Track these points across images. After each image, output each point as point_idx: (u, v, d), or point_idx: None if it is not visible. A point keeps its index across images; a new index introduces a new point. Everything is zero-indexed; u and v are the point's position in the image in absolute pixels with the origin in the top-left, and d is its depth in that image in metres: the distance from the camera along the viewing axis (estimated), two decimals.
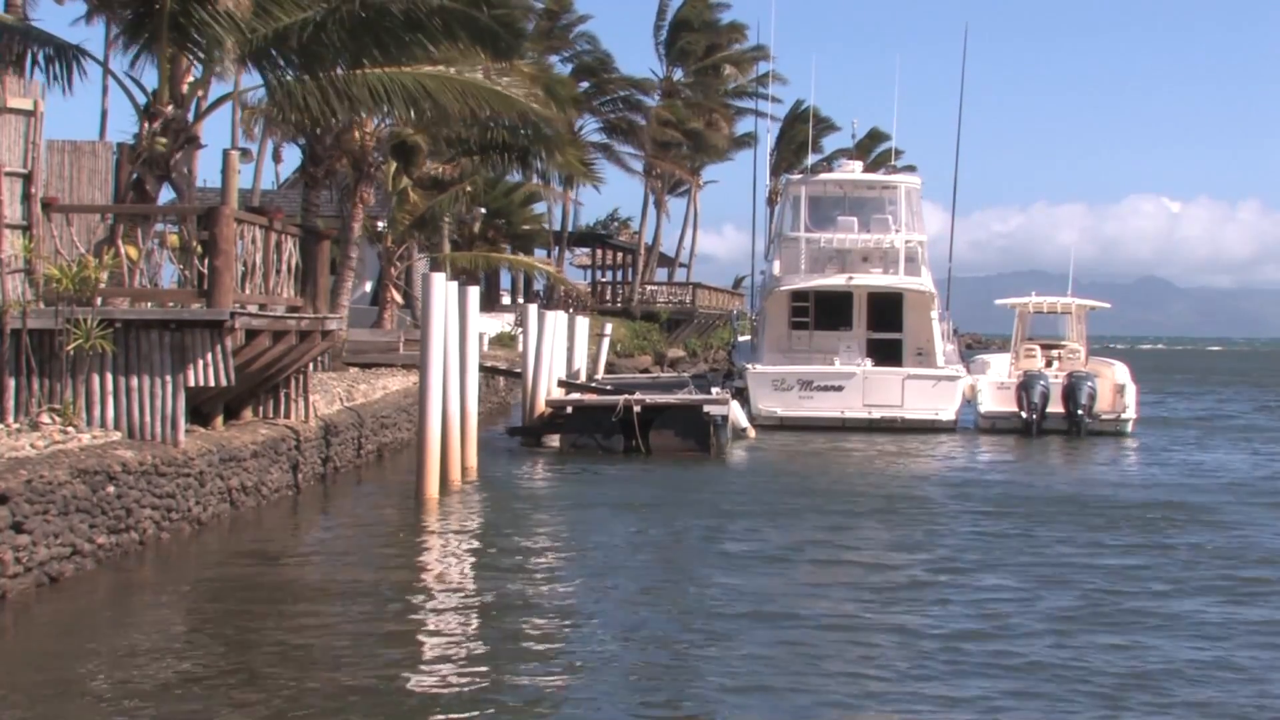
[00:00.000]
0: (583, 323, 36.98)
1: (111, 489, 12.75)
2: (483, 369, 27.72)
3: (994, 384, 32.18)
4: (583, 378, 33.17)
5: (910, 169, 53.56)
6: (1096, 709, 9.17)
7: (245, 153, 31.82)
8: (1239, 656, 10.55)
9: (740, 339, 43.79)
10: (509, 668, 9.96)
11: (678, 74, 66.47)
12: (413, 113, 18.31)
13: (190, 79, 17.06)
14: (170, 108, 16.61)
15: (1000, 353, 36.55)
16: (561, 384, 28.32)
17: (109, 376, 14.43)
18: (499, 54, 18.38)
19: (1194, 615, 11.94)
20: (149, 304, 15.55)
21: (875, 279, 34.32)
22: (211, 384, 14.78)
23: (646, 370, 51.24)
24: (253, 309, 16.33)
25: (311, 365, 19.65)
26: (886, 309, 34.24)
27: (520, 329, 29.53)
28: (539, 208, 54.45)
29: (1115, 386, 31.82)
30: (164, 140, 16.52)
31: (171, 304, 15.32)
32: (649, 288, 66.26)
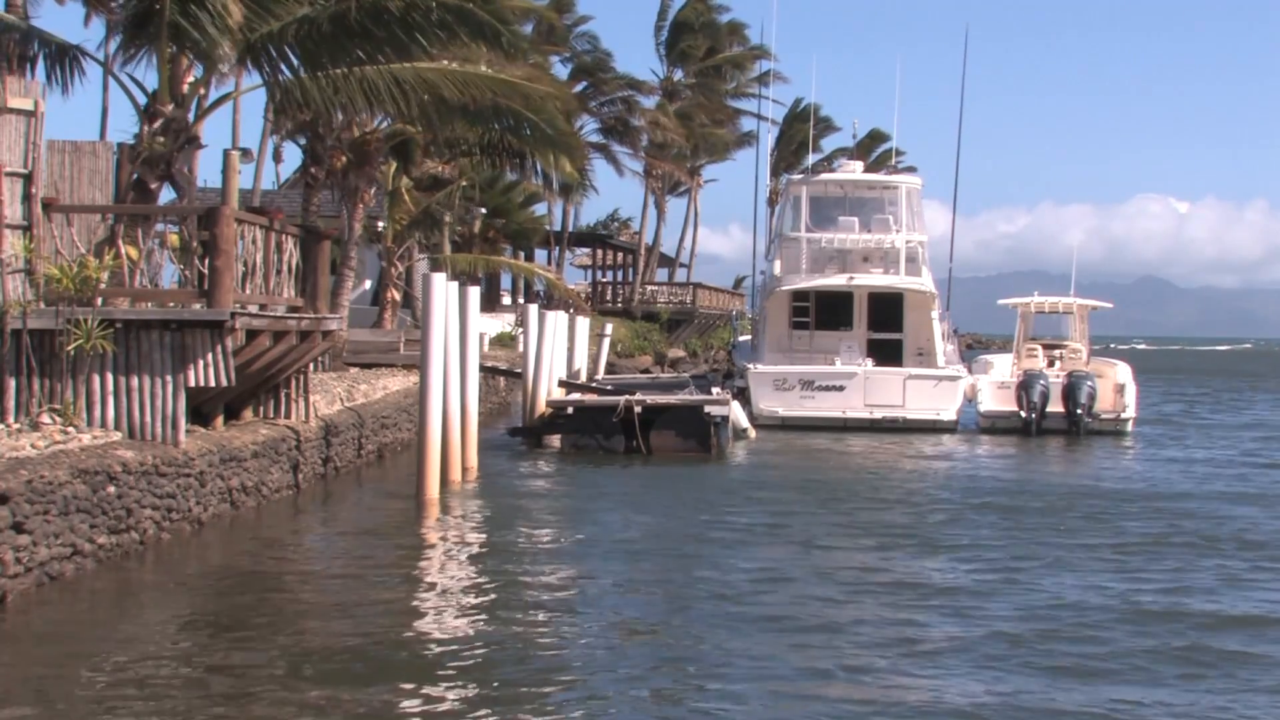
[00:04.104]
0: (583, 323, 36.97)
1: (112, 489, 12.74)
2: (483, 369, 27.70)
3: (994, 384, 32.20)
4: (583, 378, 33.16)
5: (911, 170, 53.59)
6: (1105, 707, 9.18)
7: (245, 153, 31.80)
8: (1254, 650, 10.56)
9: (740, 339, 43.80)
10: (510, 668, 9.95)
11: (678, 74, 66.47)
12: (411, 105, 18.19)
13: (190, 79, 17.05)
14: (170, 108, 16.61)
15: (1002, 352, 36.56)
16: (562, 384, 28.31)
17: (109, 376, 14.42)
18: (499, 50, 18.33)
19: (1196, 613, 11.95)
20: (149, 304, 15.54)
21: (876, 279, 34.33)
22: (212, 384, 14.77)
23: (647, 370, 51.23)
24: (253, 309, 16.32)
25: (312, 365, 19.64)
26: (887, 309, 34.24)
27: (521, 329, 29.52)
28: (539, 208, 54.49)
29: (1116, 386, 31.83)
30: (164, 140, 16.51)
31: (172, 304, 15.31)
32: (649, 288, 66.23)
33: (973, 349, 67.62)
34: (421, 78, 17.92)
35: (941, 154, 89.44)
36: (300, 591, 12.70)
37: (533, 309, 27.13)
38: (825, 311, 34.47)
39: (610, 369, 43.89)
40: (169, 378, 14.53)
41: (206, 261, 15.02)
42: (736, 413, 28.01)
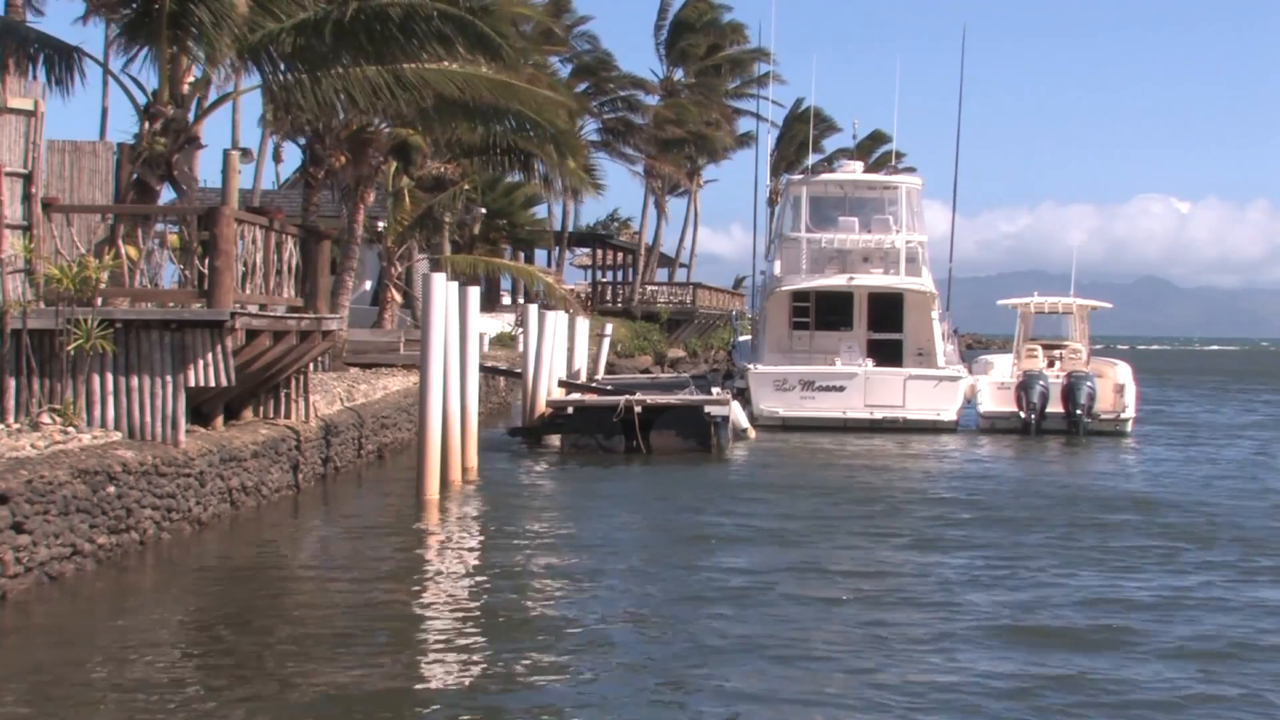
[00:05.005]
0: (583, 323, 36.96)
1: (112, 489, 12.74)
2: (483, 369, 27.70)
3: (994, 384, 32.19)
4: (583, 378, 33.16)
5: (911, 170, 53.57)
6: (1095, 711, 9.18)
7: (245, 153, 31.82)
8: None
9: (740, 339, 43.81)
10: (509, 668, 9.94)
11: (678, 74, 66.48)
12: (412, 102, 18.16)
13: (190, 79, 17.05)
14: (170, 108, 16.61)
15: (1002, 353, 36.55)
16: (562, 384, 28.31)
17: (109, 376, 14.42)
18: (497, 60, 18.34)
19: (1198, 616, 11.95)
20: (149, 304, 15.54)
21: (876, 279, 34.33)
22: (212, 384, 14.77)
23: (647, 370, 51.24)
24: (253, 309, 16.33)
25: (312, 365, 19.64)
26: (887, 309, 34.24)
27: (520, 329, 29.52)
28: (539, 210, 54.49)
29: (1115, 386, 31.82)
30: (164, 140, 16.51)
31: (172, 304, 15.32)
32: (649, 288, 66.24)
33: (973, 349, 67.63)
34: (422, 76, 17.94)
35: (942, 154, 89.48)
36: (300, 592, 12.69)
37: (533, 309, 27.12)
38: (825, 312, 34.47)
39: (610, 369, 43.89)
40: (169, 378, 14.53)
41: (206, 261, 15.02)
42: (736, 413, 28.01)
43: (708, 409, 25.13)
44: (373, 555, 14.52)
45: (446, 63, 18.58)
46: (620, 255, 74.04)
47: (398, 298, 34.15)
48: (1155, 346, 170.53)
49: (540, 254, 61.81)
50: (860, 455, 26.19)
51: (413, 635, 10.97)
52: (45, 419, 13.83)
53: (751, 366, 33.07)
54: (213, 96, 18.10)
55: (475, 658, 10.22)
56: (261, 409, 18.27)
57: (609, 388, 28.71)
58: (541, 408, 26.15)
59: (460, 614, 11.77)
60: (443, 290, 18.53)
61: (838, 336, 34.10)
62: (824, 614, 11.81)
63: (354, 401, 22.39)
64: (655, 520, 17.27)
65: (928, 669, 10.06)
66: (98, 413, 14.37)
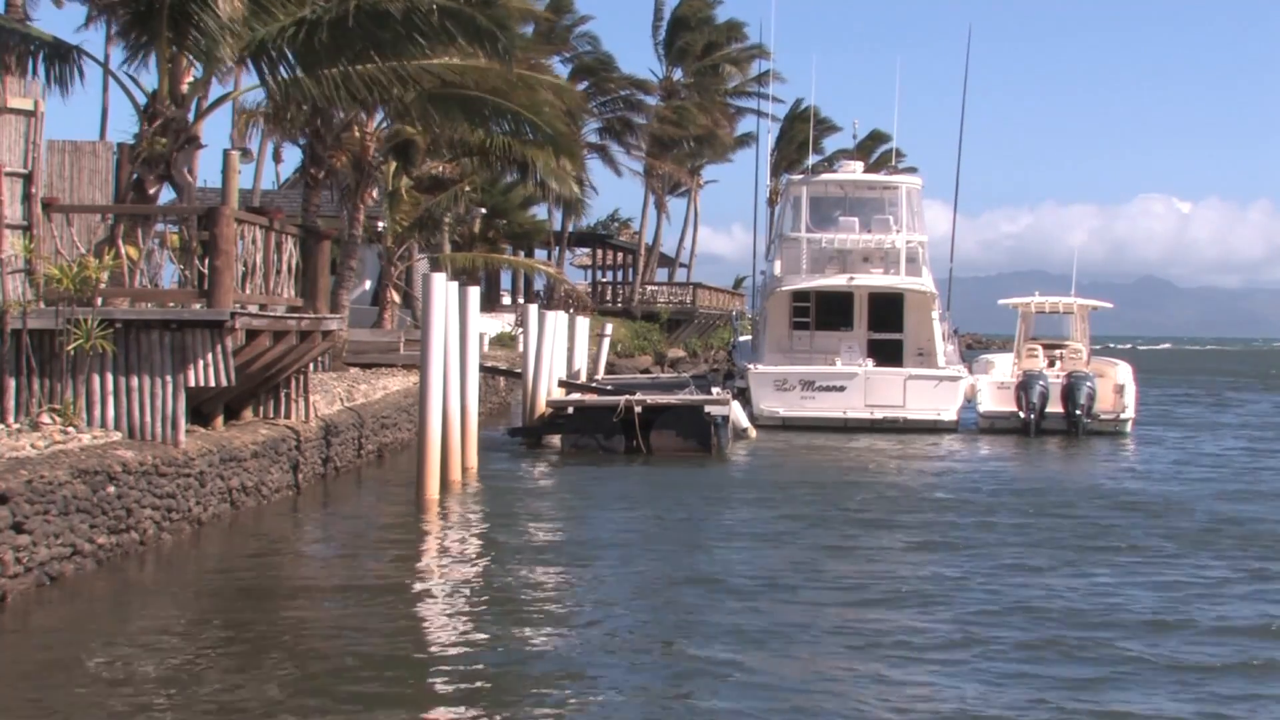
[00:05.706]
0: (583, 323, 36.97)
1: (112, 489, 12.74)
2: (483, 369, 27.70)
3: (994, 384, 32.18)
4: (583, 378, 33.16)
5: (912, 170, 53.62)
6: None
7: (245, 153, 31.84)
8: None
9: (740, 339, 43.83)
10: (509, 669, 9.95)
11: (677, 74, 66.47)
12: (409, 93, 18.13)
13: (190, 79, 17.05)
14: (170, 108, 16.60)
15: (1003, 352, 36.56)
16: (562, 384, 28.31)
17: (109, 376, 14.43)
18: (497, 55, 18.33)
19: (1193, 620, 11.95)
20: (149, 304, 15.55)
21: (876, 279, 34.34)
22: (212, 384, 14.77)
23: (647, 370, 51.24)
24: (253, 309, 16.33)
25: (312, 365, 19.64)
26: (887, 309, 34.25)
27: (520, 329, 29.53)
28: (539, 209, 54.49)
29: (1115, 386, 31.81)
30: (164, 140, 16.51)
31: (172, 304, 15.32)
32: (649, 288, 66.26)
33: (973, 349, 67.67)
34: (422, 69, 17.92)
35: (943, 154, 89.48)
36: (299, 593, 12.69)
37: (533, 309, 27.13)
38: (825, 312, 34.49)
39: (610, 369, 43.89)
40: (169, 378, 14.53)
41: (206, 261, 15.03)
42: (737, 413, 28.01)
43: (708, 409, 25.12)
44: (372, 556, 14.53)
45: (447, 59, 18.59)
46: (620, 255, 74.06)
47: (397, 298, 34.15)
48: (1162, 346, 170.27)
49: (540, 254, 61.88)
50: (860, 455, 26.19)
51: (413, 637, 10.97)
52: (45, 419, 13.83)
53: (752, 366, 33.08)
54: (213, 96, 18.11)
55: (474, 658, 10.22)
56: (261, 409, 18.27)
57: (609, 388, 28.71)
58: (541, 408, 26.16)
59: (459, 615, 11.77)
60: (443, 290, 18.53)
61: (838, 336, 34.11)
62: (824, 615, 11.80)
63: (354, 401, 22.40)
64: (654, 521, 17.26)
65: (926, 671, 10.06)
66: (98, 413, 14.37)
